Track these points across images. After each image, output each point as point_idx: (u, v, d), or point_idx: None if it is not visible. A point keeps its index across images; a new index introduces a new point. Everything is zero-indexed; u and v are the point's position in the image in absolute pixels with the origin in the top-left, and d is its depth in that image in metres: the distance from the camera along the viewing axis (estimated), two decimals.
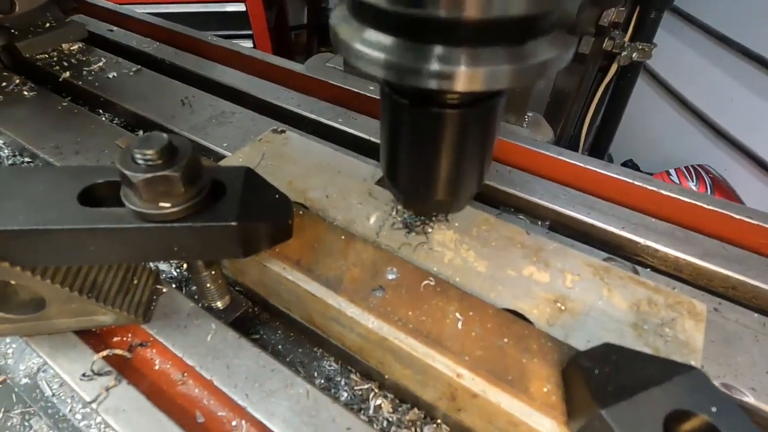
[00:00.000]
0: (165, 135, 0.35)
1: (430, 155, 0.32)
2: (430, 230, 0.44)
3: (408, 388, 0.41)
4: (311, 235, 0.44)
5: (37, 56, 0.93)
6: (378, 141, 0.71)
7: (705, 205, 0.60)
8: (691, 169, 2.25)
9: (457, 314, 0.37)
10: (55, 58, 0.93)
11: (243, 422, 0.41)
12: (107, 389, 0.42)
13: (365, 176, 0.52)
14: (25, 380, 0.65)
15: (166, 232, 0.37)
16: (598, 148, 1.65)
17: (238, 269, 0.49)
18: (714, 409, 0.26)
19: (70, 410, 0.60)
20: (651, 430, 0.25)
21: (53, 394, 0.60)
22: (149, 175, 0.34)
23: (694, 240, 0.56)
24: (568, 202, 0.61)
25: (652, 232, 0.57)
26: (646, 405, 0.26)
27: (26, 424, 0.84)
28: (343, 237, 0.43)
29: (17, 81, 0.85)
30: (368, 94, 0.81)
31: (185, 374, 0.44)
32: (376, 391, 0.45)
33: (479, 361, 0.34)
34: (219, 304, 0.50)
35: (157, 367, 0.45)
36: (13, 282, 0.39)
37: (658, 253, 0.56)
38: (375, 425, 0.42)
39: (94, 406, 0.41)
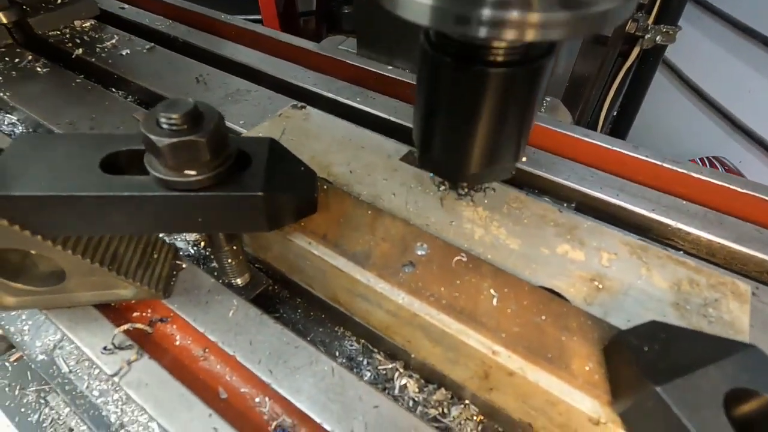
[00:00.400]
0: (191, 99, 0.34)
1: (470, 120, 0.31)
2: (464, 203, 0.43)
3: (435, 368, 0.40)
4: (337, 210, 0.42)
5: (49, 33, 0.91)
6: (398, 120, 0.70)
7: (738, 188, 0.57)
8: (706, 161, 2.22)
9: (492, 291, 0.36)
10: (67, 35, 0.92)
11: (266, 399, 0.40)
12: (129, 363, 0.41)
13: (389, 152, 0.50)
14: (41, 357, 0.64)
15: (190, 201, 0.35)
16: (616, 136, 1.62)
17: (259, 245, 0.48)
18: None
19: (87, 387, 0.60)
20: (711, 409, 0.24)
21: (70, 371, 0.60)
22: (175, 140, 0.32)
23: (727, 223, 0.54)
24: (595, 183, 0.59)
25: (683, 215, 0.55)
26: (704, 383, 0.25)
27: (42, 401, 0.84)
28: (369, 212, 0.42)
29: (30, 57, 0.83)
30: (387, 74, 0.79)
31: (206, 350, 0.43)
32: (401, 370, 0.44)
33: (516, 338, 0.33)
34: (239, 281, 0.49)
35: (177, 343, 0.44)
36: (33, 252, 0.39)
37: (690, 236, 0.54)
38: (400, 405, 0.41)
39: (116, 379, 0.40)
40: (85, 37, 0.91)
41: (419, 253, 0.38)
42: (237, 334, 0.42)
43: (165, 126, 0.33)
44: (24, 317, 0.68)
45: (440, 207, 0.43)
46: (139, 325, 0.44)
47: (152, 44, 0.88)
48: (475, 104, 0.30)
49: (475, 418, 0.41)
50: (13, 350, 0.74)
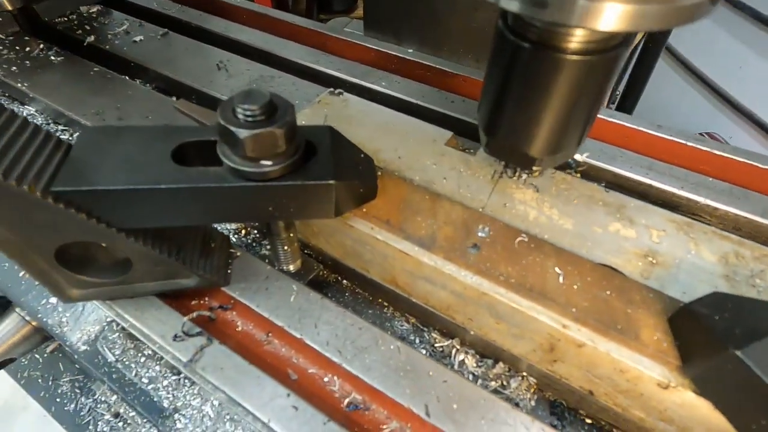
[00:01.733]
0: (265, 91, 0.34)
1: (544, 107, 0.32)
2: (514, 186, 0.44)
3: (495, 343, 0.42)
4: (395, 195, 0.44)
5: (56, 20, 0.89)
6: (427, 105, 0.71)
7: (759, 165, 0.60)
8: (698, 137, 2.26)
9: (557, 269, 0.37)
10: (75, 22, 0.89)
11: (335, 378, 0.41)
12: (201, 348, 0.42)
13: (433, 137, 0.51)
14: (84, 347, 0.65)
15: (265, 191, 0.36)
16: (623, 111, 1.65)
17: (313, 232, 0.49)
18: None
19: (136, 374, 0.61)
20: None
21: (116, 359, 0.61)
22: (256, 131, 0.33)
23: (752, 198, 0.57)
24: (624, 162, 0.61)
25: (711, 191, 0.57)
26: None
27: (77, 391, 0.85)
28: (427, 197, 0.43)
29: (41, 46, 0.81)
30: (409, 57, 0.79)
31: (269, 334, 0.45)
32: (458, 347, 0.46)
33: (586, 312, 0.35)
34: (291, 268, 0.50)
35: (239, 329, 0.45)
36: (102, 245, 0.39)
37: (717, 211, 0.56)
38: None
39: (193, 365, 0.41)
40: (95, 24, 0.89)
41: (481, 235, 0.40)
42: (301, 317, 0.44)
43: (242, 117, 0.34)
44: (61, 309, 0.69)
45: (492, 190, 0.45)
46: (205, 312, 0.45)
47: (165, 30, 0.86)
48: (551, 91, 0.31)
49: (532, 389, 0.43)
50: (48, 342, 0.74)
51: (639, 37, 1.26)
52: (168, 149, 0.37)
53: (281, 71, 0.77)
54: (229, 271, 0.48)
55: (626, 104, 1.47)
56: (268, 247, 0.54)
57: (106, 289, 0.44)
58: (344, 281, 0.54)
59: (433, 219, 0.41)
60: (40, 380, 0.85)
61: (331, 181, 0.37)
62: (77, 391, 0.83)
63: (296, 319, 0.44)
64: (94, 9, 0.93)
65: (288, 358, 0.43)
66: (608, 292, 0.36)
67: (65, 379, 0.84)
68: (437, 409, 0.37)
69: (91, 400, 0.82)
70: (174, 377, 0.60)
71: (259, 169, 0.35)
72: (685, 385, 0.32)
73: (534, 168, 0.39)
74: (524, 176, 0.44)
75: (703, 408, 0.32)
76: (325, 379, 0.42)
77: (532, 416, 0.37)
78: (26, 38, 0.84)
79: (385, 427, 0.38)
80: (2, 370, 0.80)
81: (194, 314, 0.44)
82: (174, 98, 0.75)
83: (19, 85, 0.73)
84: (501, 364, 0.44)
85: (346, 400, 0.40)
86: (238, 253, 0.49)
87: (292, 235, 0.47)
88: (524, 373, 0.43)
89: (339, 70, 0.78)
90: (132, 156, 0.36)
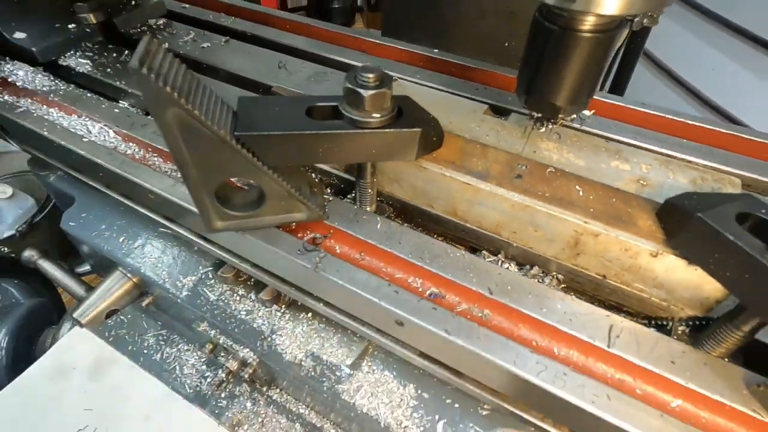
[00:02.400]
0: (376, 66, 0.50)
1: (567, 69, 0.48)
2: (539, 139, 0.61)
3: (533, 250, 0.57)
4: (453, 146, 0.59)
5: (131, 31, 1.04)
6: (456, 92, 0.87)
7: (720, 130, 0.77)
8: None
9: (577, 187, 0.53)
10: (147, 32, 1.04)
11: (417, 278, 0.56)
12: (321, 258, 0.57)
13: (474, 108, 0.67)
14: (186, 293, 0.80)
15: (373, 136, 0.52)
16: None
17: (389, 179, 0.64)
18: (764, 211, 0.43)
19: (234, 309, 0.76)
20: (728, 223, 0.42)
21: (217, 298, 0.76)
22: (374, 91, 0.48)
23: (716, 153, 0.73)
24: (617, 130, 0.77)
25: (684, 149, 0.74)
26: (724, 210, 0.43)
27: (161, 343, 0.98)
28: (478, 146, 0.59)
29: (126, 52, 0.96)
30: (435, 56, 0.95)
31: (362, 253, 0.59)
32: (503, 259, 0.61)
33: (599, 212, 0.51)
34: (369, 209, 0.65)
35: (338, 251, 0.60)
36: (252, 182, 0.54)
37: (690, 164, 0.73)
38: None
39: (317, 270, 0.55)
40: (164, 33, 1.04)
41: (521, 168, 0.56)
42: (388, 238, 0.59)
43: (363, 82, 0.49)
44: (160, 265, 0.83)
45: (525, 142, 0.61)
46: (316, 234, 0.59)
47: (227, 37, 1.02)
48: (572, 58, 0.47)
49: (561, 285, 0.58)
50: (143, 297, 0.88)
51: (623, 37, 1.45)
52: (302, 109, 0.52)
53: (333, 68, 0.93)
54: (326, 209, 0.63)
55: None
56: (349, 196, 0.69)
57: (239, 222, 0.58)
58: (408, 224, 0.69)
59: (485, 159, 0.57)
60: (126, 337, 0.98)
61: (417, 129, 0.52)
62: (162, 343, 0.96)
63: (385, 239, 0.59)
64: (161, 21, 1.08)
65: (379, 267, 0.58)
66: (614, 200, 0.52)
67: (149, 335, 0.97)
68: (497, 289, 0.52)
69: (175, 349, 0.95)
70: (266, 309, 0.75)
71: (371, 119, 0.50)
72: (668, 252, 0.47)
73: (560, 116, 0.55)
74: (550, 126, 0.60)
75: (681, 268, 0.47)
76: (409, 280, 0.56)
77: (564, 294, 0.52)
78: (109, 46, 0.99)
79: (458, 307, 0.53)
80: (90, 331, 0.93)
81: (309, 236, 0.59)
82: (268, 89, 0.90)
83: (117, 83, 0.88)
84: (536, 268, 0.59)
85: (428, 291, 0.55)
86: (330, 198, 0.64)
87: (375, 180, 0.62)
88: (554, 273, 0.58)
89: (381, 66, 0.94)
90: (278, 114, 0.51)
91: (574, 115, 0.67)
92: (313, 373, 0.68)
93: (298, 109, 0.52)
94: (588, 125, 0.78)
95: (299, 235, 0.61)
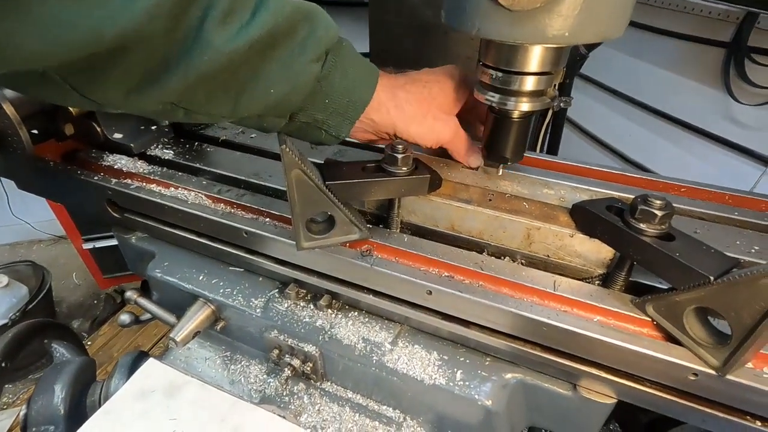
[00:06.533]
0: (402, 141, 0.87)
1: (508, 136, 0.87)
2: (497, 178, 0.98)
3: (503, 245, 0.92)
4: (449, 186, 0.96)
5: (194, 127, 1.40)
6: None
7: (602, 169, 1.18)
8: None
9: (525, 204, 0.90)
10: (202, 126, 1.41)
11: (435, 268, 0.88)
12: (373, 260, 0.88)
13: (459, 166, 1.05)
14: (259, 311, 1.08)
15: (402, 180, 0.86)
16: None
17: (407, 210, 0.99)
18: (619, 204, 0.80)
19: (301, 316, 1.04)
20: (602, 210, 0.79)
21: (286, 309, 1.05)
22: (402, 155, 0.84)
23: (611, 185, 1.13)
24: (546, 176, 1.17)
25: (590, 183, 1.14)
26: (600, 204, 0.80)
27: (226, 362, 1.22)
28: (463, 185, 0.96)
29: (195, 143, 1.31)
30: None
31: (397, 258, 0.91)
32: (486, 255, 0.95)
33: (539, 216, 0.87)
34: (395, 231, 0.99)
35: (382, 256, 0.92)
36: (329, 213, 0.86)
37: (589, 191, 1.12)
38: None
39: (371, 267, 0.87)
40: (221, 127, 1.40)
41: (491, 195, 0.92)
42: (412, 246, 0.91)
43: (396, 151, 0.85)
44: (229, 290, 1.11)
45: (488, 180, 0.98)
46: (367, 246, 0.91)
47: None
48: (510, 130, 0.86)
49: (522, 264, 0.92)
50: (218, 321, 1.13)
51: (548, 116, 1.97)
52: (359, 167, 0.87)
53: (348, 146, 1.31)
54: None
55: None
56: (380, 225, 1.02)
57: (316, 242, 0.90)
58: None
59: (468, 192, 0.93)
60: (195, 362, 1.21)
61: (427, 175, 0.88)
62: (227, 362, 1.20)
63: (409, 246, 0.91)
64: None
65: (410, 263, 0.90)
66: (546, 209, 0.88)
67: (216, 357, 1.21)
68: (485, 267, 0.86)
69: (239, 366, 1.19)
70: (323, 312, 1.04)
71: (401, 171, 0.86)
72: (578, 233, 0.83)
73: (508, 162, 0.93)
74: (501, 171, 0.98)
75: (587, 241, 0.83)
76: (430, 269, 0.88)
77: (526, 268, 0.86)
78: (181, 140, 1.33)
79: (464, 281, 0.85)
80: (161, 362, 1.16)
81: (361, 249, 0.91)
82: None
83: (197, 164, 1.21)
84: (507, 258, 0.93)
85: (443, 275, 0.87)
86: (369, 226, 0.97)
87: (400, 210, 0.96)
88: (519, 259, 0.92)
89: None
90: (345, 171, 0.86)
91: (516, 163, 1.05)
92: (364, 352, 0.96)
93: (356, 167, 0.87)
94: (526, 172, 1.18)
95: (355, 248, 0.93)
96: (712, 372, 0.66)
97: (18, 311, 3.30)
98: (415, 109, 0.87)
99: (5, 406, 3.09)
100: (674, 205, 0.72)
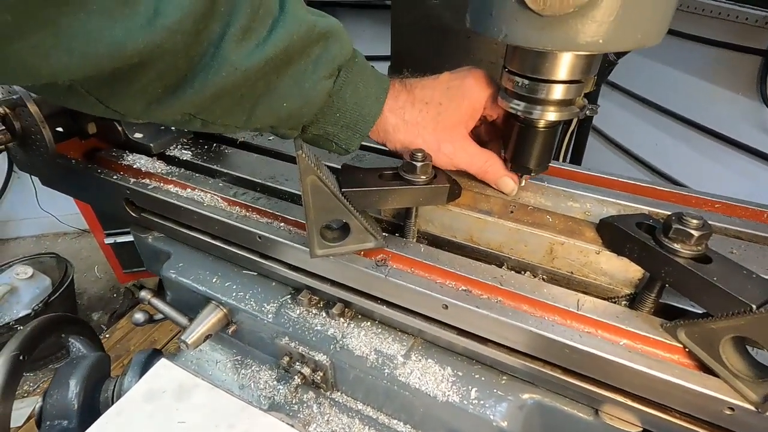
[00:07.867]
0: (422, 148, 0.84)
1: (533, 146, 0.83)
2: (521, 189, 0.94)
3: (524, 260, 0.88)
4: (468, 196, 0.92)
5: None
6: None
7: (628, 181, 1.13)
8: None
9: (548, 217, 0.86)
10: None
11: (452, 281, 0.85)
12: (388, 270, 0.86)
13: None
14: (270, 316, 1.06)
15: (421, 189, 0.84)
16: None
17: (425, 220, 0.96)
18: (650, 221, 0.76)
19: (312, 323, 1.02)
20: (632, 227, 0.74)
21: (298, 315, 1.03)
22: (422, 163, 0.81)
23: (639, 199, 1.08)
24: (570, 186, 1.12)
25: (618, 196, 1.08)
26: (629, 221, 0.75)
27: (237, 366, 1.21)
28: (484, 195, 0.92)
29: (214, 144, 1.31)
30: None
31: (413, 269, 0.88)
32: (506, 269, 0.91)
33: (563, 230, 0.83)
34: (412, 240, 0.96)
35: (397, 266, 0.89)
36: (344, 221, 0.84)
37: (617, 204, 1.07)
38: None
39: (386, 277, 0.84)
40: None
41: (513, 207, 0.89)
42: (428, 257, 0.88)
43: (416, 158, 0.82)
44: (242, 294, 1.10)
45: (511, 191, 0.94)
46: (382, 256, 0.89)
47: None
48: (535, 140, 0.83)
49: (543, 280, 0.88)
50: (229, 325, 1.12)
51: (573, 124, 1.91)
52: (376, 174, 0.84)
53: (367, 151, 1.29)
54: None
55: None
56: (396, 234, 0.99)
57: (330, 250, 0.88)
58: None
59: (489, 203, 0.90)
60: (206, 365, 1.21)
61: (446, 185, 0.85)
62: (237, 366, 1.19)
63: (426, 257, 0.88)
64: None
65: (426, 274, 0.87)
66: (570, 223, 0.84)
67: (227, 360, 1.20)
68: (504, 282, 0.82)
69: (249, 370, 1.18)
70: (336, 321, 1.01)
71: (420, 179, 0.83)
72: (605, 249, 0.79)
73: (532, 174, 0.89)
74: (524, 182, 0.94)
75: (614, 258, 0.78)
76: (446, 282, 0.85)
77: (547, 284, 0.82)
78: (199, 141, 1.33)
79: (482, 295, 0.82)
80: (172, 363, 1.15)
81: (376, 258, 0.88)
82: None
83: (214, 166, 1.21)
84: (528, 273, 0.89)
85: (460, 288, 0.83)
86: (385, 234, 0.95)
87: (417, 220, 0.93)
88: (540, 274, 0.88)
89: None
90: (363, 178, 0.84)
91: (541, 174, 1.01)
92: (376, 364, 0.93)
93: (373, 174, 0.85)
94: (549, 182, 1.13)
95: (369, 257, 0.91)
96: (751, 407, 0.61)
97: (41, 302, 3.38)
98: (430, 130, 0.87)
99: (26, 395, 3.17)
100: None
